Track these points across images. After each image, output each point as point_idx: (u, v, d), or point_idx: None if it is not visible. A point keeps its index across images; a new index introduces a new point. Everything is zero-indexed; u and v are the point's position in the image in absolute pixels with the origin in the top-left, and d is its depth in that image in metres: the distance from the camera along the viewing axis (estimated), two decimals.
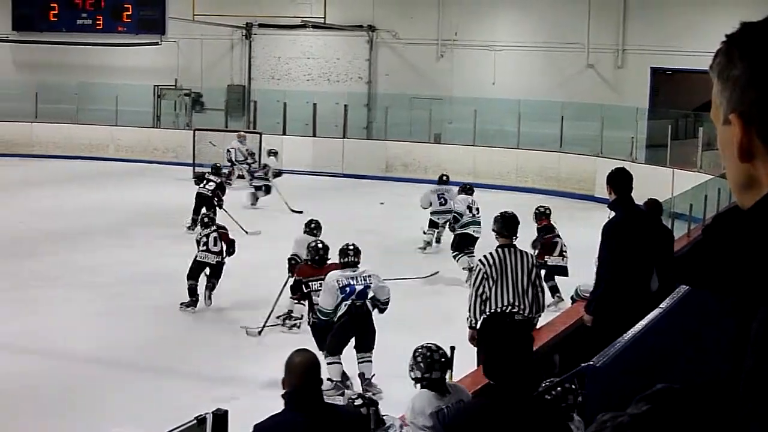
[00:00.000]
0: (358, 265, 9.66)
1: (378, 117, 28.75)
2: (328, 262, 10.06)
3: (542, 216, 13.70)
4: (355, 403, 5.57)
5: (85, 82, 31.11)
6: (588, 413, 5.09)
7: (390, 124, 28.00)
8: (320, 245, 10.27)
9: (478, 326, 8.04)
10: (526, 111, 26.22)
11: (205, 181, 18.63)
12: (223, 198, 18.10)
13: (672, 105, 25.87)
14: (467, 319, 8.16)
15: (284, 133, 27.80)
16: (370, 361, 9.49)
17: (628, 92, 26.02)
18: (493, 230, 8.38)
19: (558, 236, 13.58)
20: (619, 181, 7.56)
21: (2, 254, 15.47)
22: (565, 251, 13.40)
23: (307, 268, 10.17)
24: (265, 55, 30.14)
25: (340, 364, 9.46)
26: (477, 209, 15.21)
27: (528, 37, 27.10)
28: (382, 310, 9.69)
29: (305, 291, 9.94)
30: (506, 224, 8.29)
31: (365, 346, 9.51)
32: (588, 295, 8.26)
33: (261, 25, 29.84)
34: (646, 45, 25.63)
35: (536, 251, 12.73)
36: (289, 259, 12.11)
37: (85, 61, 31.54)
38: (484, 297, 8.02)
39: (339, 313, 9.38)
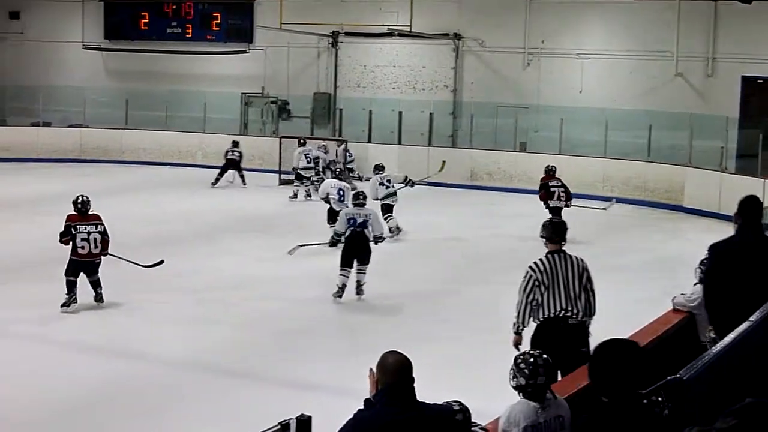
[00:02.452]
0: (364, 207, 13.93)
1: (463, 125, 28.68)
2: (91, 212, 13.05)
3: (549, 172, 19.54)
4: (453, 407, 5.49)
5: (174, 90, 31.54)
6: (675, 427, 5.00)
7: (475, 133, 27.91)
8: (81, 200, 13.00)
9: (521, 330, 8.15)
10: (613, 120, 25.96)
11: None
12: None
13: (763, 114, 25.39)
14: (513, 324, 8.19)
15: (369, 141, 27.90)
16: (365, 273, 13.54)
17: (717, 101, 25.59)
18: (542, 237, 8.32)
19: (556, 186, 18.95)
20: (746, 208, 7.53)
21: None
22: (562, 197, 18.79)
23: (75, 216, 12.90)
24: (352, 63, 30.26)
25: (347, 277, 13.39)
26: (389, 181, 19.01)
27: (616, 45, 26.83)
28: (376, 241, 13.88)
29: (72, 233, 12.72)
30: (555, 230, 8.28)
31: (362, 261, 13.53)
32: (682, 307, 8.41)
33: (347, 33, 29.97)
34: (737, 53, 25.18)
35: (541, 197, 18.91)
36: None
37: (174, 69, 32.00)
38: (534, 304, 8.03)
39: (346, 236, 13.56)
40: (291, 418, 4.77)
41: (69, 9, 33.37)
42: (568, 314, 7.98)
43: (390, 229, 17.88)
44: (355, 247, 13.48)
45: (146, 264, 14.07)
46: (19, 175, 25.95)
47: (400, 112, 28.13)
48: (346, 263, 13.43)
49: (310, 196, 22.51)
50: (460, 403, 5.57)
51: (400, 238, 18.26)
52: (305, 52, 30.51)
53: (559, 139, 26.13)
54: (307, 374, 10.19)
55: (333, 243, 14.32)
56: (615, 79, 26.95)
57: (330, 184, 18.34)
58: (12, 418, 8.64)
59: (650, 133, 25.38)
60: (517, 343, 8.12)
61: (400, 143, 27.78)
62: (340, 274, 13.39)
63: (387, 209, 18.60)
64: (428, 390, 5.08)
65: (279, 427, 4.70)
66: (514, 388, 5.73)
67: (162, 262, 14.30)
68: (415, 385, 4.80)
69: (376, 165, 19.88)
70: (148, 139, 29.59)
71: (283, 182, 25.08)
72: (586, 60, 27.10)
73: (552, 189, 18.94)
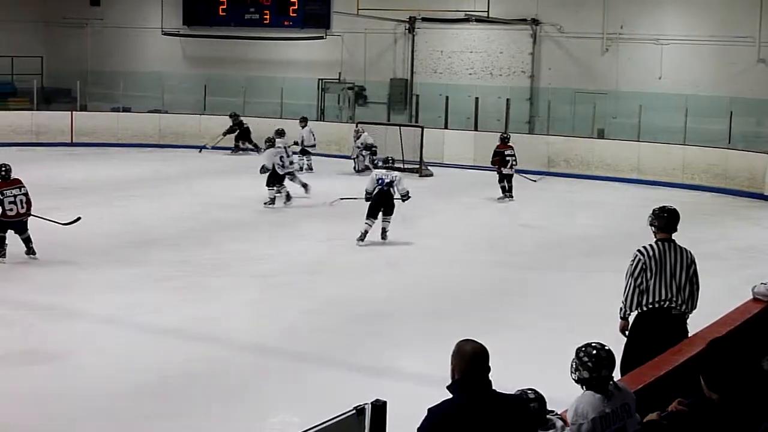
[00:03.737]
0: (392, 170, 16.44)
1: (540, 111, 28.47)
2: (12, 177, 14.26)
3: (504, 141, 21.43)
4: (528, 396, 5.45)
5: (251, 76, 31.77)
6: (756, 418, 4.91)
7: (552, 119, 27.70)
8: (4, 168, 14.22)
9: (628, 315, 8.08)
10: (693, 106, 25.58)
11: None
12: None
13: None
14: (620, 309, 8.11)
15: (446, 127, 27.82)
16: (389, 222, 16.31)
17: None
18: (652, 225, 8.18)
19: (510, 155, 21.15)
20: None
21: (177, 243, 15.91)
22: (514, 165, 21.27)
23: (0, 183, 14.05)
24: (428, 49, 30.18)
25: (370, 225, 16.11)
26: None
27: (696, 31, 26.39)
28: (402, 199, 16.54)
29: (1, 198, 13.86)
30: (668, 220, 8.12)
31: (387, 212, 16.27)
32: (762, 297, 8.33)
33: (424, 19, 29.90)
34: None
35: (494, 162, 21.08)
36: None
37: (251, 55, 32.22)
38: (642, 288, 7.93)
39: (374, 193, 16.05)
40: (366, 403, 4.77)
41: None
42: (672, 304, 7.89)
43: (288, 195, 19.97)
44: (381, 202, 16.16)
45: (64, 222, 15.10)
46: (99, 160, 26.32)
47: (477, 98, 27.99)
48: (371, 215, 16.11)
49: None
50: (535, 391, 5.52)
51: (473, 225, 18.21)
52: (382, 38, 30.51)
53: (638, 126, 25.81)
54: (381, 359, 10.19)
55: (368, 198, 16.31)
56: (695, 65, 26.54)
57: (273, 152, 19.70)
58: (91, 400, 8.76)
59: (731, 119, 24.97)
60: (623, 329, 8.09)
61: (476, 129, 27.65)
62: (365, 223, 16.06)
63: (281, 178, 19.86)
64: (502, 378, 5.05)
65: (354, 411, 4.70)
66: (577, 381, 5.64)
67: (79, 218, 15.32)
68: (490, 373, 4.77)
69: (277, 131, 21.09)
70: (225, 124, 29.80)
71: (364, 168, 25.12)
72: (666, 45, 26.71)
73: (507, 158, 21.09)
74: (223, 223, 17.83)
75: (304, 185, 20.78)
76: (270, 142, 20.15)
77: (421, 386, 9.32)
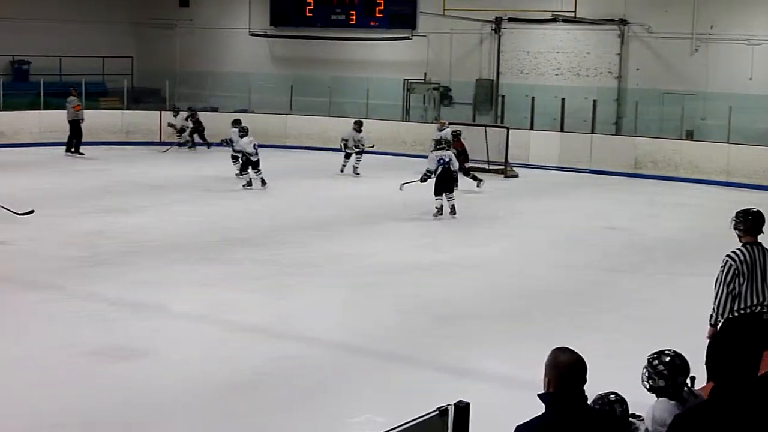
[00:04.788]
0: (446, 150, 18.55)
1: (628, 112, 28.16)
2: None
3: (457, 138, 21.72)
4: (610, 398, 5.41)
5: (337, 76, 31.92)
6: None
7: (640, 120, 27.37)
8: None
9: (719, 322, 7.94)
10: None
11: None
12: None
13: None
14: (710, 315, 7.99)
15: (531, 128, 27.66)
16: (454, 198, 18.38)
17: None
18: (736, 228, 8.03)
19: (467, 152, 22.19)
20: None
21: (263, 242, 16.06)
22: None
23: None
24: (514, 49, 30.04)
25: (442, 201, 18.25)
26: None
27: None
28: (457, 173, 19.09)
29: None
30: (754, 223, 7.98)
31: (450, 190, 18.39)
32: None
33: (511, 20, 29.77)
34: None
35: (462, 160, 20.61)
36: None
37: (337, 56, 32.38)
38: (734, 293, 7.82)
39: (438, 172, 18.15)
40: (449, 404, 4.78)
41: None
42: (764, 309, 7.78)
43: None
44: (446, 179, 18.30)
45: (19, 212, 15.59)
46: (186, 159, 26.68)
47: (563, 99, 27.77)
48: (440, 191, 18.28)
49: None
50: (617, 395, 5.48)
51: (557, 226, 18.12)
52: (468, 38, 30.45)
53: (728, 128, 25.37)
54: (465, 360, 10.18)
55: (424, 179, 18.45)
56: None
57: (248, 141, 21.52)
58: (176, 397, 8.88)
59: None
60: (712, 335, 7.96)
61: (562, 130, 27.44)
62: (437, 200, 18.32)
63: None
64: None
65: (437, 412, 4.71)
66: (650, 389, 5.55)
67: (32, 212, 15.76)
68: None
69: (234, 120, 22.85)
70: (311, 124, 30.00)
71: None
72: (757, 46, 26.24)
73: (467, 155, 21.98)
74: (309, 223, 17.95)
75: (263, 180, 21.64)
76: (242, 131, 22.05)
77: (504, 388, 9.31)
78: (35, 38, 32.14)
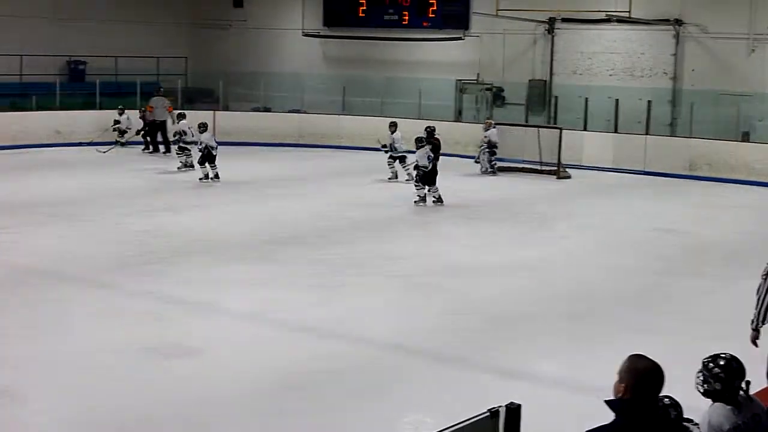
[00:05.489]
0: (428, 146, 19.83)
1: (683, 113, 27.88)
2: None
3: (432, 134, 21.29)
4: (664, 402, 5.32)
5: (390, 77, 31.92)
6: None
7: (695, 121, 27.07)
8: None
9: (760, 327, 7.90)
10: None
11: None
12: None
13: None
14: (751, 321, 7.93)
15: (585, 129, 27.47)
16: (437, 190, 19.39)
17: None
18: None
19: (440, 148, 20.90)
20: None
21: (315, 242, 16.10)
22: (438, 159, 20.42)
23: None
24: (568, 50, 29.87)
25: (424, 189, 19.47)
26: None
27: None
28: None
29: None
30: None
31: (433, 182, 19.44)
32: None
33: (564, 20, 29.60)
34: None
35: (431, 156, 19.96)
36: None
37: (390, 56, 32.39)
38: None
39: (428, 167, 19.30)
40: (500, 406, 4.74)
41: None
42: None
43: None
44: (432, 173, 19.60)
45: None
46: (239, 159, 26.78)
47: (617, 100, 27.54)
48: (424, 183, 19.59)
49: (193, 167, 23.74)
50: (671, 398, 5.40)
51: (612, 228, 17.99)
52: (521, 38, 30.32)
53: None
54: (517, 362, 10.13)
55: (418, 174, 19.73)
56: None
57: (207, 137, 22.25)
58: (228, 395, 8.91)
59: None
60: (754, 339, 7.89)
61: (616, 131, 27.21)
62: (418, 188, 19.65)
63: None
64: None
65: (488, 413, 4.68)
66: (705, 393, 5.45)
67: None
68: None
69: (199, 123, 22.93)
70: (363, 125, 30.00)
71: (501, 169, 24.97)
72: None
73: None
74: (360, 223, 17.97)
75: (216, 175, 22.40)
76: (202, 126, 22.57)
77: (557, 390, 9.26)
78: (91, 39, 32.46)
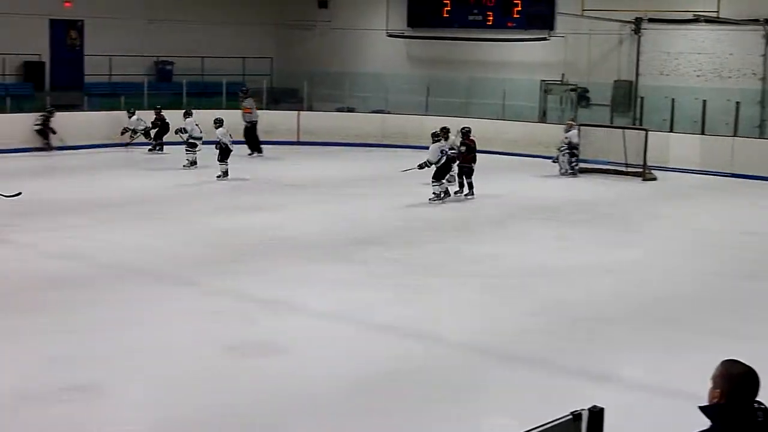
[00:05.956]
0: (447, 141, 20.09)
1: None
2: None
3: (467, 135, 20.79)
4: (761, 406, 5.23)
5: (474, 77, 31.85)
6: None
7: None
8: None
9: None
10: None
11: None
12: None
13: None
14: None
15: (671, 130, 27.11)
16: (445, 184, 19.91)
17: None
18: None
19: (475, 149, 20.74)
20: None
21: (397, 242, 16.17)
22: (475, 159, 20.65)
23: None
24: (654, 50, 29.52)
25: (440, 185, 19.79)
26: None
27: None
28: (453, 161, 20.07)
29: None
30: None
31: (446, 175, 19.87)
32: None
33: (651, 20, 29.26)
34: None
35: (461, 157, 20.34)
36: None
37: (474, 56, 32.32)
38: None
39: (441, 161, 19.66)
40: (583, 409, 4.71)
41: None
42: None
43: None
44: (447, 167, 19.99)
45: (6, 194, 16.22)
46: (323, 159, 26.98)
47: (704, 101, 27.16)
48: (438, 179, 19.86)
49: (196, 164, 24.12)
50: (759, 402, 5.31)
51: (698, 231, 17.75)
52: (606, 38, 30.04)
53: None
54: (601, 365, 10.04)
55: (422, 166, 20.04)
56: None
57: (222, 132, 22.50)
58: (310, 393, 8.98)
59: None
60: None
61: (703, 133, 26.83)
62: (434, 185, 19.81)
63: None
64: None
65: (571, 416, 4.65)
66: None
67: (20, 194, 16.25)
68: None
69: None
70: (447, 125, 29.92)
71: (582, 170, 24.78)
72: None
73: (474, 154, 20.77)
74: (445, 223, 17.99)
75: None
76: (218, 124, 22.81)
77: (640, 394, 9.17)
78: (179, 39, 32.97)
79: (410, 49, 34.30)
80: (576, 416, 4.66)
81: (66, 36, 32.03)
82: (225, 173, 22.34)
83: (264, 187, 21.94)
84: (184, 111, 25.50)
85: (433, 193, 19.90)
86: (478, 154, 20.90)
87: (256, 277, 13.34)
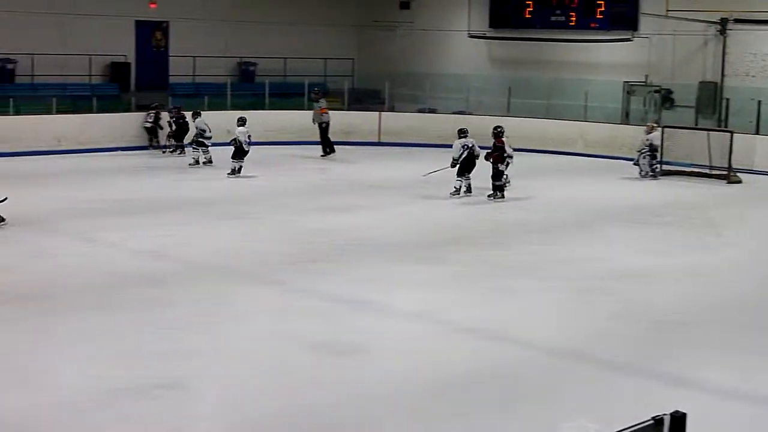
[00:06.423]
0: (468, 137, 20.65)
1: None
2: None
3: (499, 135, 20.56)
4: None
5: (555, 78, 31.67)
6: None
7: None
8: None
9: None
10: None
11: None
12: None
13: None
14: None
15: (757, 133, 26.69)
16: (470, 179, 20.39)
17: None
18: None
19: (506, 151, 20.37)
20: None
21: (481, 243, 16.17)
22: (509, 162, 20.44)
23: None
24: (740, 51, 29.07)
25: (462, 182, 20.37)
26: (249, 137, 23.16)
27: None
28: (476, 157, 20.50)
29: None
30: None
31: (470, 171, 20.41)
32: None
33: (737, 20, 28.83)
34: None
35: (490, 159, 20.30)
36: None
37: (556, 57, 32.15)
38: None
39: (462, 156, 20.29)
40: (665, 414, 4.69)
41: None
42: None
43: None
44: (470, 163, 20.43)
45: None
46: (404, 159, 27.00)
47: None
48: (461, 174, 20.44)
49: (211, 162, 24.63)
50: None
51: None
52: (691, 39, 29.66)
53: None
54: (685, 369, 9.92)
55: (453, 165, 20.52)
56: None
57: (242, 131, 23.03)
58: (391, 394, 9.04)
59: None
60: None
61: None
62: (457, 180, 20.42)
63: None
64: None
65: (652, 421, 4.63)
66: None
67: (5, 199, 15.93)
68: None
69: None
70: (528, 126, 29.83)
71: (664, 172, 24.51)
72: None
73: (504, 154, 20.43)
74: (528, 225, 17.94)
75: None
76: (241, 122, 23.35)
77: (724, 400, 9.06)
78: (262, 40, 33.32)
79: (492, 49, 34.22)
80: (658, 421, 4.64)
81: (151, 37, 32.51)
82: (235, 170, 22.85)
83: (346, 188, 22.06)
84: (192, 112, 25.82)
85: (454, 187, 20.44)
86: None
87: (339, 277, 13.43)
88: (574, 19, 31.72)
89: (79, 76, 29.94)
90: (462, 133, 20.93)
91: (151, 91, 30.61)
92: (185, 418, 8.44)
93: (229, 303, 12.08)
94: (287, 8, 34.48)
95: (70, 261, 14.10)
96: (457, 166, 20.49)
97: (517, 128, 29.36)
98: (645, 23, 29.97)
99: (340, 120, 29.82)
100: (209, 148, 24.64)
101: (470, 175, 20.50)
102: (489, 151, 20.42)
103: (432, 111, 32.47)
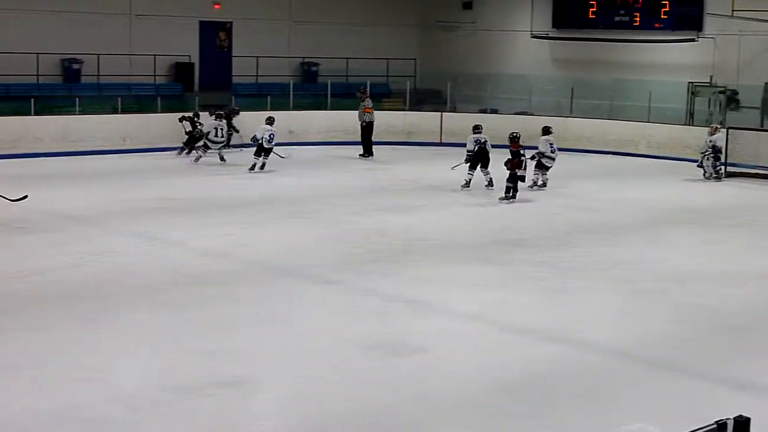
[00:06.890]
0: (482, 132, 21.46)
1: None
2: None
3: (514, 140, 20.28)
4: None
5: (618, 78, 31.43)
6: None
7: None
8: None
9: None
10: None
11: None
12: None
13: None
14: None
15: None
16: (489, 173, 21.10)
17: None
18: None
19: (524, 155, 20.27)
20: None
21: (540, 244, 16.09)
22: (525, 166, 20.31)
23: None
24: None
25: (472, 175, 21.23)
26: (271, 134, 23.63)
27: None
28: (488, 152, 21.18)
29: None
30: None
31: (485, 165, 21.19)
32: None
33: None
34: None
35: (508, 165, 19.95)
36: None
37: (619, 58, 31.92)
38: None
39: (474, 150, 21.06)
40: (728, 418, 4.64)
41: None
42: None
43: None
44: (481, 157, 21.21)
45: (12, 198, 16.14)
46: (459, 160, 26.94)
47: None
48: (473, 167, 21.19)
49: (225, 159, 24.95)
50: None
51: None
52: (758, 39, 29.27)
53: None
54: (748, 374, 9.82)
55: (468, 159, 21.32)
56: None
57: (265, 128, 23.60)
58: (448, 395, 9.04)
59: None
60: None
61: None
62: (468, 173, 21.22)
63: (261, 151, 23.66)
64: None
65: (715, 426, 4.59)
66: None
67: (26, 197, 16.04)
68: None
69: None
70: (591, 127, 29.64)
71: (728, 174, 24.23)
72: None
73: (521, 159, 20.18)
74: (590, 225, 17.84)
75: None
76: (268, 121, 23.83)
77: None
78: (324, 41, 33.48)
79: (554, 50, 34.05)
80: (721, 425, 4.59)
81: (215, 37, 32.80)
82: (255, 167, 23.48)
83: (407, 188, 22.07)
84: (209, 111, 25.95)
85: (465, 180, 21.28)
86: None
87: (396, 277, 13.45)
88: (638, 19, 31.48)
89: (143, 76, 30.32)
90: (476, 129, 21.77)
91: (215, 91, 30.89)
92: (247, 416, 8.49)
93: (290, 302, 12.14)
94: (350, 8, 34.63)
95: (133, 259, 14.27)
96: (471, 160, 21.26)
97: (579, 129, 29.33)
98: (710, 23, 29.66)
99: (402, 120, 29.89)
100: (218, 150, 24.96)
101: (488, 169, 21.20)
102: (508, 158, 20.15)
103: (494, 111, 32.38)
